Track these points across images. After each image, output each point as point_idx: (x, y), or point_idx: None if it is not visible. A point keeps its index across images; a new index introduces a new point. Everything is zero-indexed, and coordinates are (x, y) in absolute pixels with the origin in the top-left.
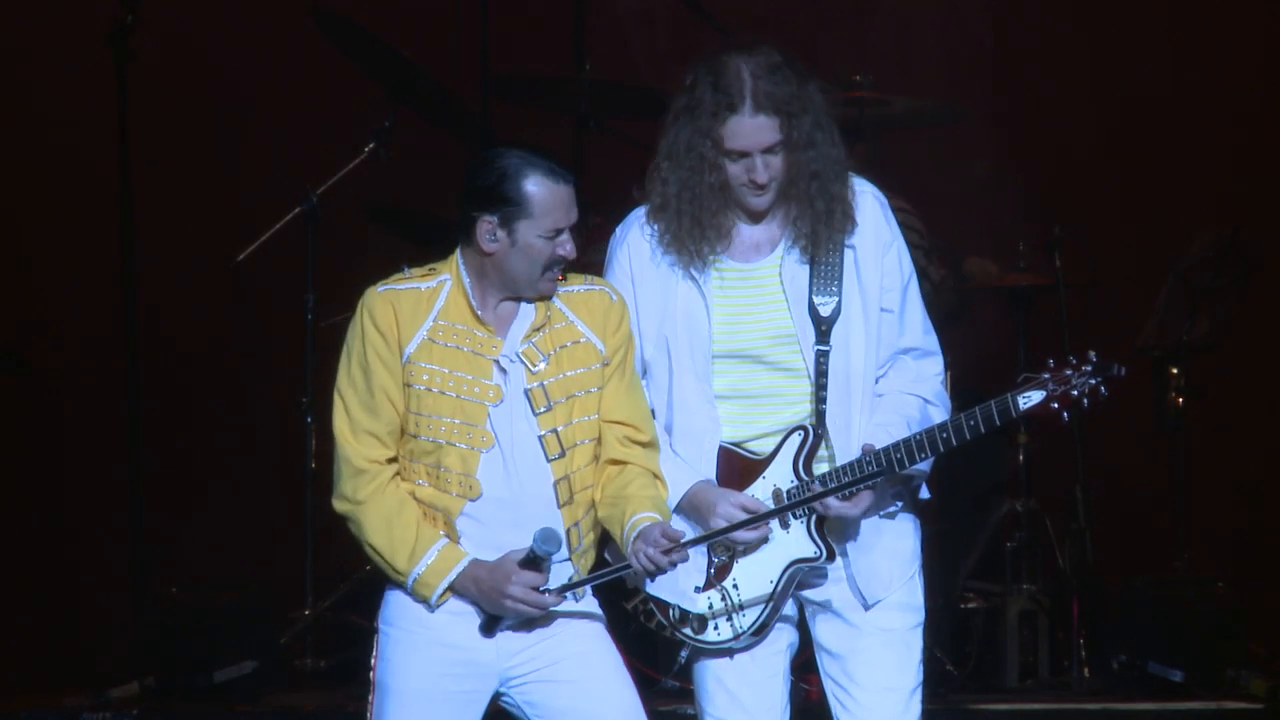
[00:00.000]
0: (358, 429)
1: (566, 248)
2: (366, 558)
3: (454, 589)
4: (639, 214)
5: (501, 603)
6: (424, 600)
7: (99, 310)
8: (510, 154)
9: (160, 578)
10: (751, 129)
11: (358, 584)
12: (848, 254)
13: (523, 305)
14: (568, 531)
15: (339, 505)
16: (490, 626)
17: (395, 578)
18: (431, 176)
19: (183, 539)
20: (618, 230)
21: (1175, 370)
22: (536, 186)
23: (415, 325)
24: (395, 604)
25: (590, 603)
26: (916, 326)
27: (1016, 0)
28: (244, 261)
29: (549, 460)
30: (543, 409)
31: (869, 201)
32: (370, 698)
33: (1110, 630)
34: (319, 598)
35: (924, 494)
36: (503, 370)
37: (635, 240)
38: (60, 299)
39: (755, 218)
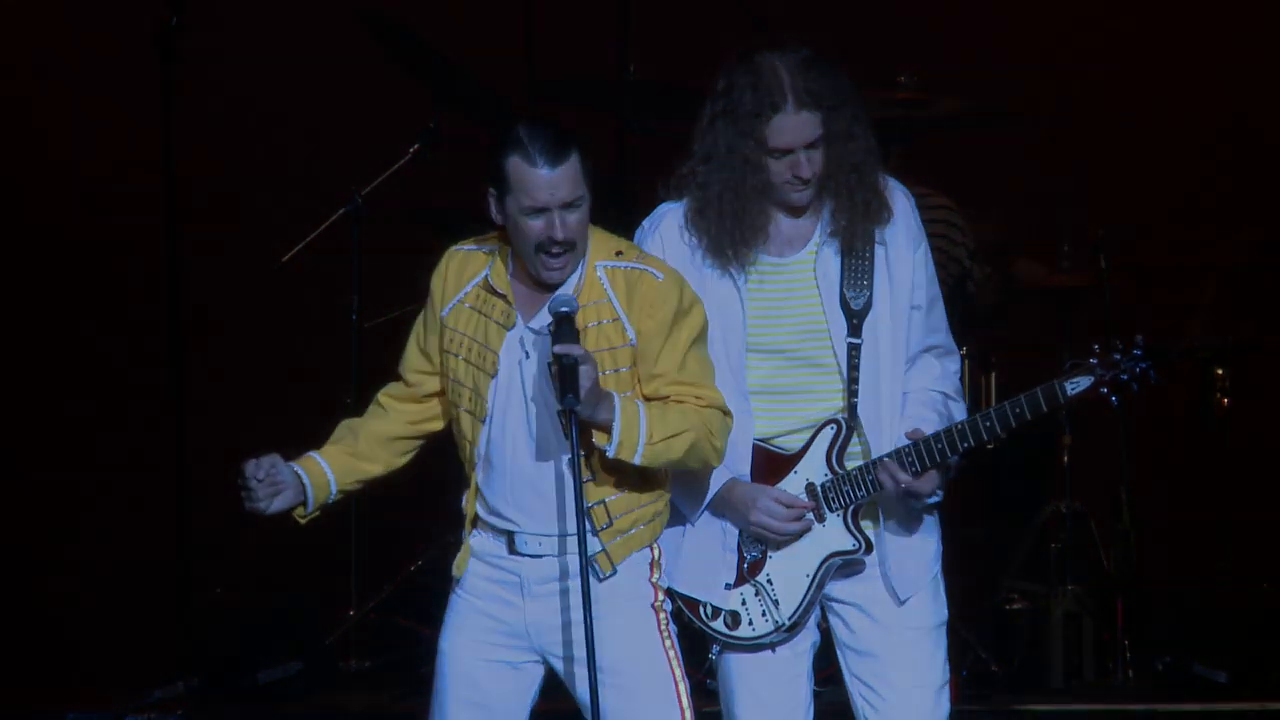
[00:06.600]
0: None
1: (553, 229)
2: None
3: None
4: (665, 209)
5: None
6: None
7: (145, 309)
8: (514, 128)
9: (205, 578)
10: (795, 125)
11: (403, 585)
12: (879, 250)
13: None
14: (590, 509)
15: None
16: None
17: None
18: (475, 177)
19: (228, 540)
20: (644, 223)
21: (1220, 371)
22: (514, 166)
23: (458, 288)
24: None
25: (640, 586)
26: (941, 324)
27: (1071, 1)
28: (288, 262)
29: (568, 438)
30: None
31: (900, 198)
32: None
33: (1155, 631)
34: (364, 598)
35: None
36: (523, 343)
37: (669, 235)
38: (106, 296)
39: (795, 212)
